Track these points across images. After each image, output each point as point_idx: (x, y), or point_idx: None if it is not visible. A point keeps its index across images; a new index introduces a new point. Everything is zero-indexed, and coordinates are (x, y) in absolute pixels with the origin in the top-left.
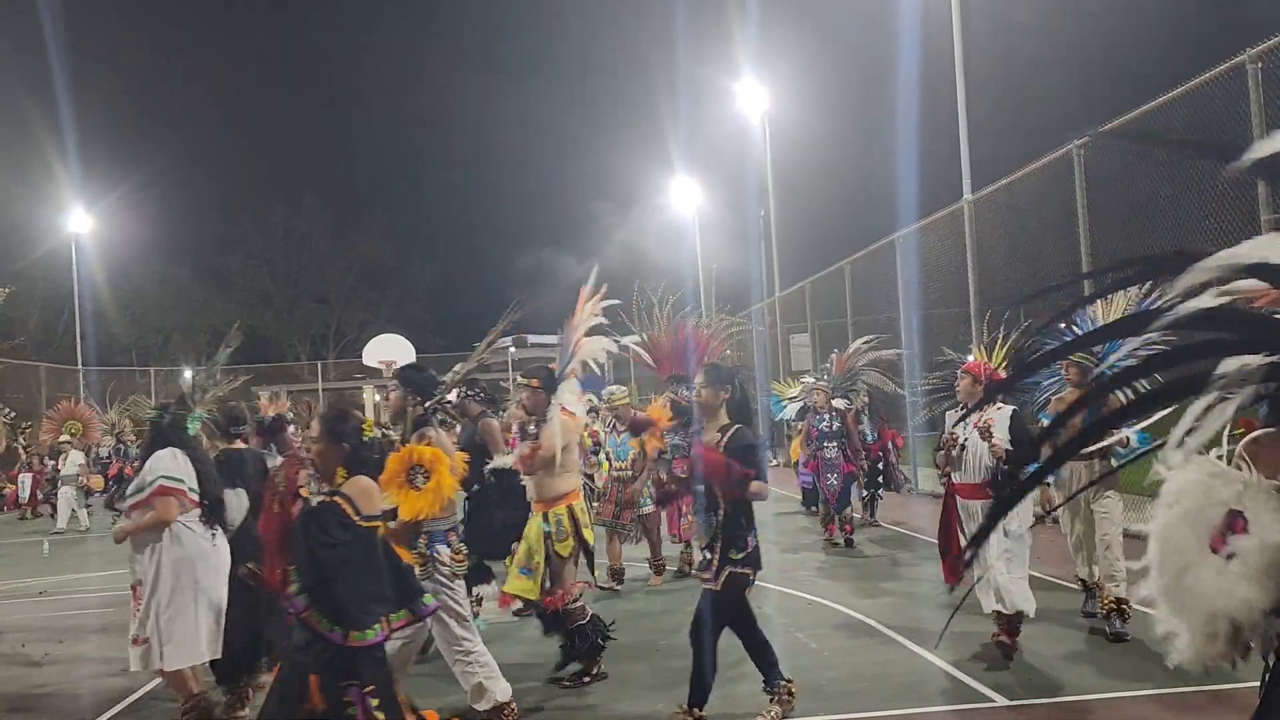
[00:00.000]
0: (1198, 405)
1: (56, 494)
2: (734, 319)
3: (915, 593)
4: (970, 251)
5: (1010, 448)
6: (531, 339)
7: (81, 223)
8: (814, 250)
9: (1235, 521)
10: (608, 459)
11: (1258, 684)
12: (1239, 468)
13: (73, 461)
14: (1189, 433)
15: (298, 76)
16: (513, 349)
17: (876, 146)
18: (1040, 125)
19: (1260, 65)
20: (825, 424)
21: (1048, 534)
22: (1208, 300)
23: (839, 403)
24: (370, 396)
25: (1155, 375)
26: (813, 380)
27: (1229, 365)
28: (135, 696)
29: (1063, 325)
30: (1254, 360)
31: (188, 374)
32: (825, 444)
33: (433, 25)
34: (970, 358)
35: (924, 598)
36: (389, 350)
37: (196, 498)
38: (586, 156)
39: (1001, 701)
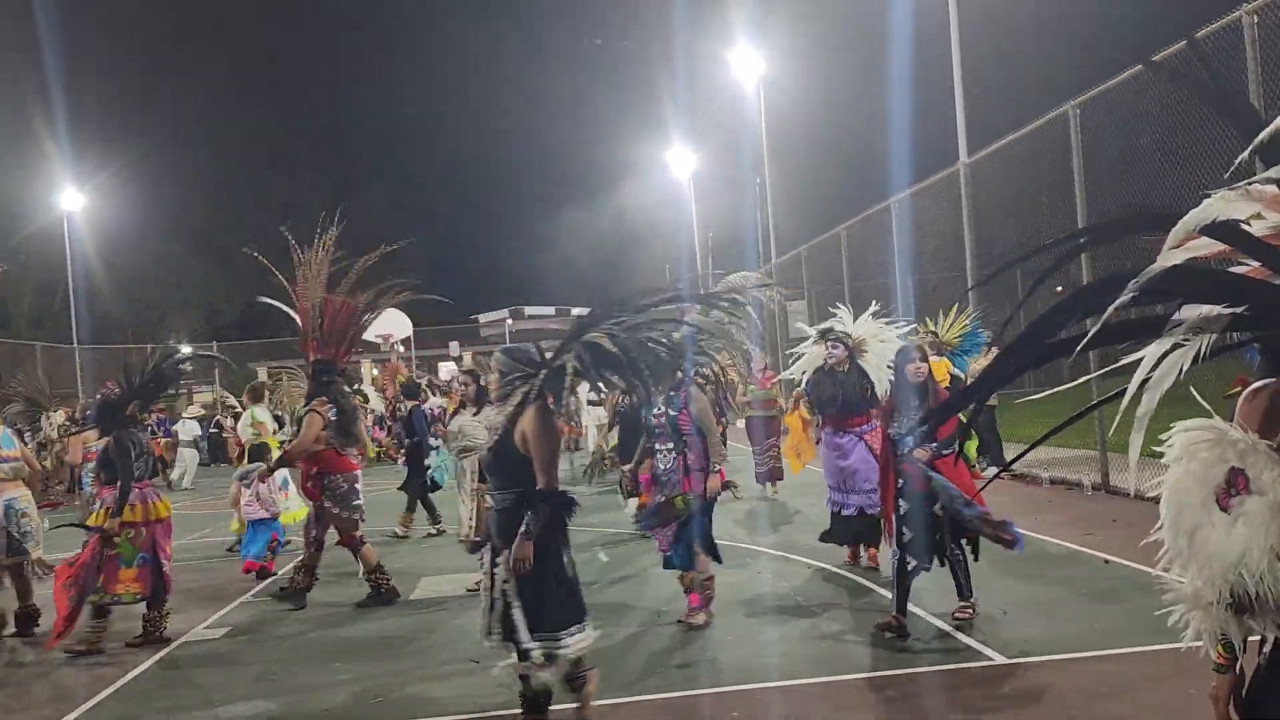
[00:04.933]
0: (1153, 350)
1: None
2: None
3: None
4: (966, 215)
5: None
6: (529, 310)
7: (74, 200)
8: (810, 216)
9: (1238, 479)
10: None
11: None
12: (1241, 426)
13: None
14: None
15: (293, 50)
16: (510, 321)
17: (872, 111)
18: (1036, 86)
19: (1257, 19)
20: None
21: (1046, 494)
22: (1174, 257)
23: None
24: (369, 371)
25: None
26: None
27: (1187, 312)
28: (146, 665)
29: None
30: (1213, 310)
31: (186, 350)
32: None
33: None
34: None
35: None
36: (387, 324)
37: None
38: (584, 125)
39: (999, 660)
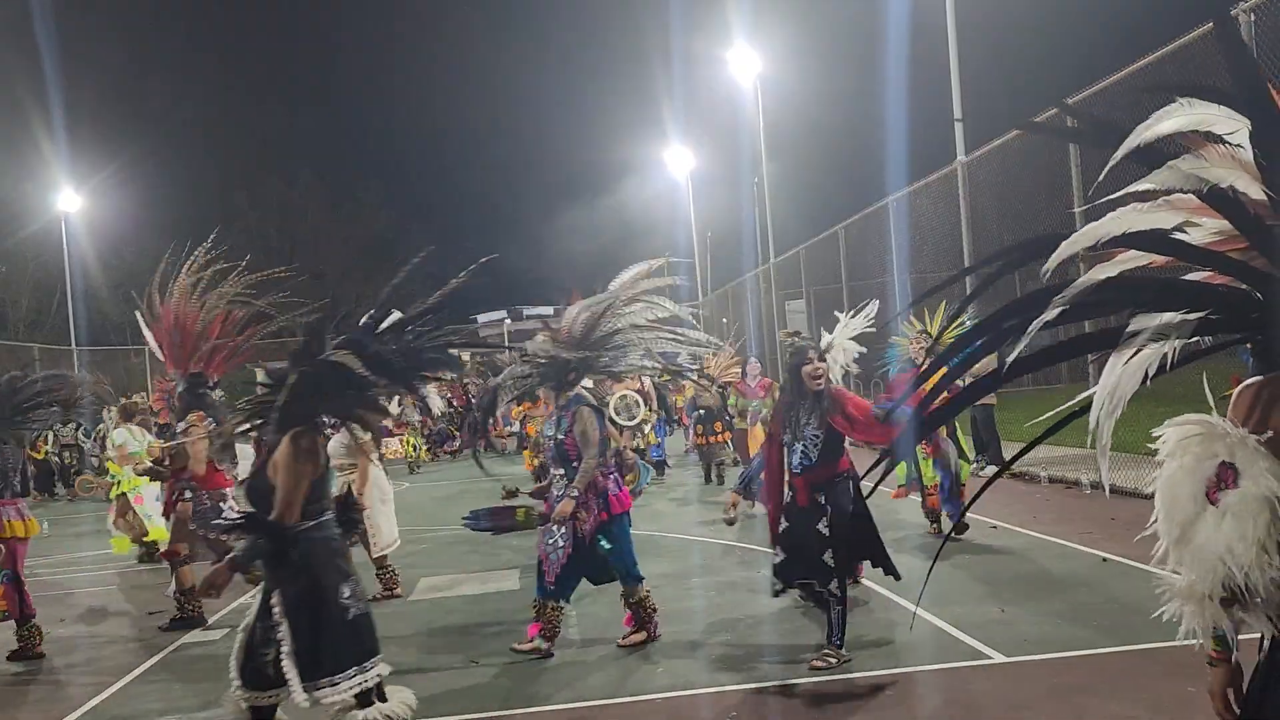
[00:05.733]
0: (1114, 362)
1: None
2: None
3: (904, 551)
4: (964, 214)
5: None
6: (528, 311)
7: (70, 201)
8: (808, 215)
9: (1227, 473)
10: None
11: (1256, 639)
12: (1232, 422)
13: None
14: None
15: (290, 48)
16: (508, 321)
17: (869, 110)
18: (1033, 84)
19: (1254, 18)
20: None
21: (1044, 492)
22: (1106, 270)
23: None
24: None
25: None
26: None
27: (1143, 322)
28: (145, 667)
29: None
30: (1175, 317)
31: None
32: None
33: None
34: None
35: (913, 556)
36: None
37: None
38: (582, 124)
39: (998, 658)
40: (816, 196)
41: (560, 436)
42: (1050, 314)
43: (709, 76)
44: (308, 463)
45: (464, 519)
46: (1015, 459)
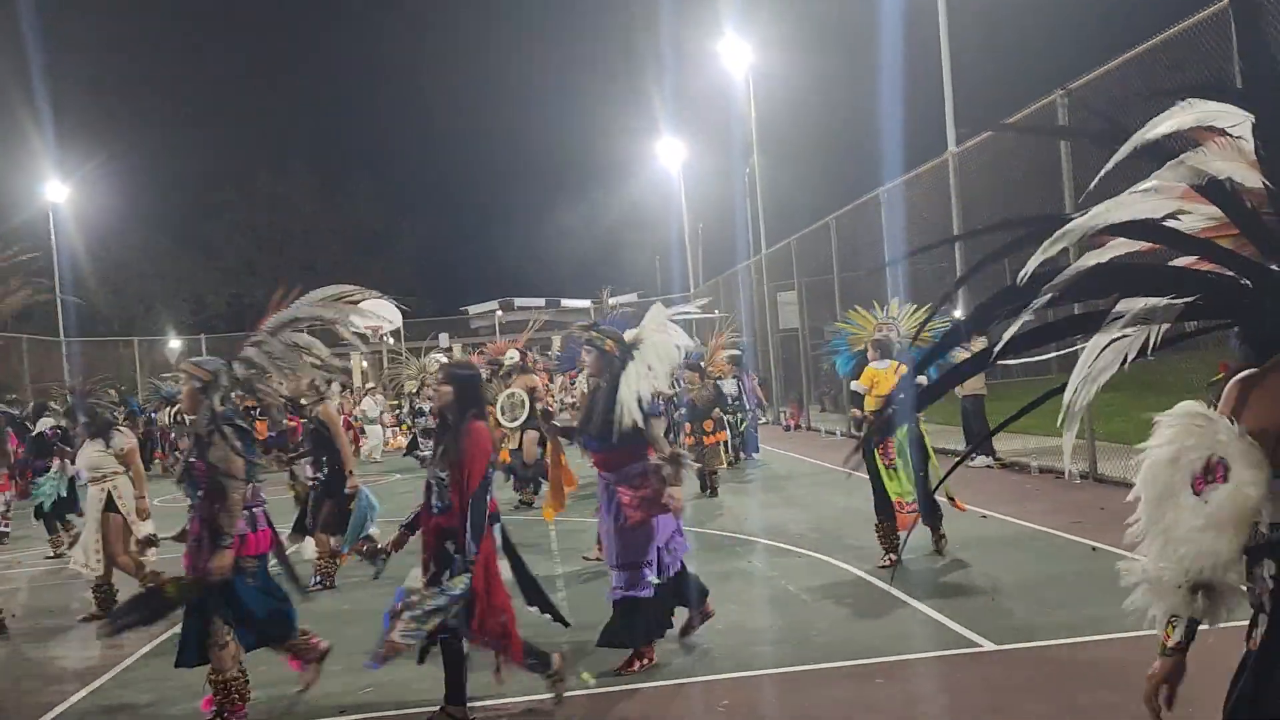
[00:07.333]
0: (1095, 343)
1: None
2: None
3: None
4: (955, 205)
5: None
6: (519, 302)
7: (58, 192)
8: (800, 206)
9: (1217, 467)
10: None
11: (1241, 626)
12: (1225, 414)
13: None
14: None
15: (280, 40)
16: (499, 312)
17: (861, 101)
18: (1024, 75)
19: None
20: None
21: (1034, 482)
22: (1095, 257)
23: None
24: (358, 362)
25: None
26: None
27: (1125, 306)
28: (135, 657)
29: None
30: (1160, 302)
31: (174, 343)
32: None
33: None
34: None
35: (910, 548)
36: (375, 315)
37: None
38: (574, 117)
39: (988, 646)
40: (808, 187)
41: (191, 459)
42: (1040, 300)
43: (701, 69)
44: None
45: (100, 629)
46: (985, 439)
